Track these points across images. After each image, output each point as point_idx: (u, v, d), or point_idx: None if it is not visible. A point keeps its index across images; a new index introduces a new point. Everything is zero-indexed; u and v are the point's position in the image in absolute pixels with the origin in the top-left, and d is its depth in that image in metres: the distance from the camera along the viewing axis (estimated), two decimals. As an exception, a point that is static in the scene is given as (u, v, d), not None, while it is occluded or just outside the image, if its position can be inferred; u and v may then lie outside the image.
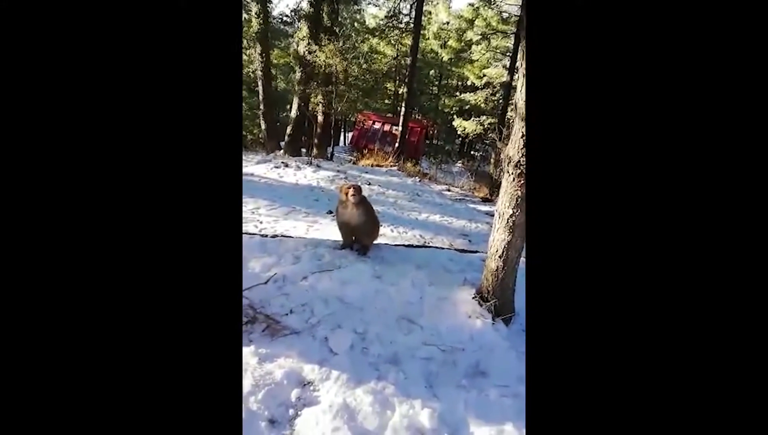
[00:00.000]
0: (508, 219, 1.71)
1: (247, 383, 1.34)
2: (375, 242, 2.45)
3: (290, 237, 2.57)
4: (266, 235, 2.50)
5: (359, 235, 2.33)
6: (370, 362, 1.53)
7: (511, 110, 9.10)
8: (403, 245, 2.70)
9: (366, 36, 10.01)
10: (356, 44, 8.84)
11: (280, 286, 1.92)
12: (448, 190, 7.02)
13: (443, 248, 2.90)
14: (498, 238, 1.77)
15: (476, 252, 2.72)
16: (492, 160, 10.00)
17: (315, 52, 7.51)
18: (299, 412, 1.29)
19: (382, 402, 1.34)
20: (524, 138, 1.57)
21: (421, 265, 2.26)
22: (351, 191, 2.21)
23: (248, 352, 1.48)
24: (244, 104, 8.96)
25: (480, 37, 11.82)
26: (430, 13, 12.73)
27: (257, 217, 4.11)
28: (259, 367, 1.42)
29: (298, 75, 7.99)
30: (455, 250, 2.80)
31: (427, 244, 3.65)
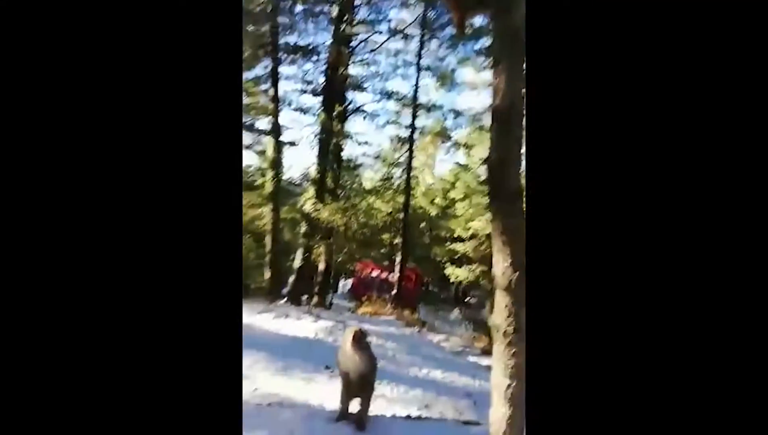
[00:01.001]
0: (504, 391, 1.73)
1: None
2: (371, 412, 2.39)
3: (283, 405, 2.55)
4: (261, 404, 2.48)
5: (361, 389, 2.25)
6: None
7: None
8: (403, 417, 2.64)
9: (364, 195, 11.33)
10: (355, 203, 9.97)
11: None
12: (447, 341, 6.94)
13: (446, 419, 2.82)
14: (498, 412, 1.78)
15: (479, 423, 2.65)
16: (488, 308, 10.12)
17: (319, 210, 8.44)
18: None
19: None
20: (508, 303, 1.52)
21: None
22: (357, 335, 2.22)
23: None
24: (251, 253, 9.52)
25: (462, 196, 13.47)
26: (416, 177, 14.78)
27: (255, 374, 4.01)
28: None
29: (303, 229, 8.77)
30: (461, 421, 2.72)
31: (428, 417, 3.51)
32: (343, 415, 2.30)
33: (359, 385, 2.27)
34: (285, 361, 4.45)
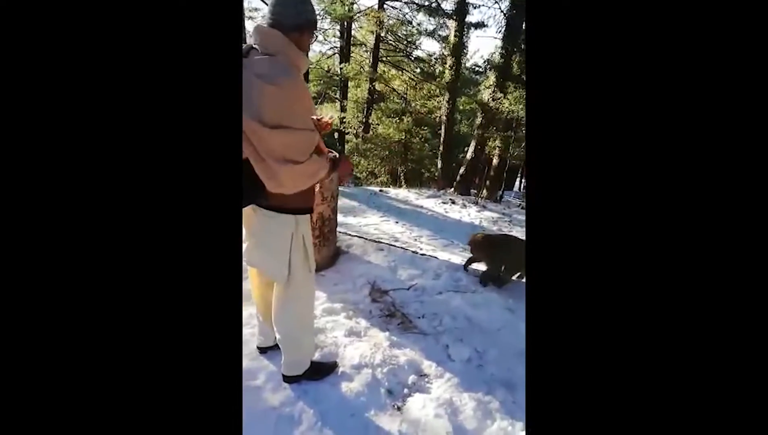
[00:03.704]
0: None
1: (378, 358, 1.67)
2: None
3: (436, 258, 2.87)
4: (416, 253, 2.87)
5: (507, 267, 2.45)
6: (483, 378, 1.64)
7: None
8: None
9: (556, 83, 9.79)
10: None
11: (419, 295, 2.23)
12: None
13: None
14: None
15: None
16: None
17: (499, 99, 7.87)
18: (412, 394, 1.53)
19: (485, 412, 1.44)
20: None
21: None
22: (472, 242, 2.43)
23: (383, 337, 1.82)
24: (426, 145, 9.98)
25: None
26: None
27: (418, 244, 4.59)
28: (389, 350, 1.73)
29: (479, 119, 8.48)
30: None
31: None
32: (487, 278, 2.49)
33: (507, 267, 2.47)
34: (447, 240, 4.88)
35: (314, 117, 1.16)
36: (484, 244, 2.47)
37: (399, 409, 1.45)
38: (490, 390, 1.56)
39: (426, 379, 1.61)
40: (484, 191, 8.52)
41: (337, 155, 1.27)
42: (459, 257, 4.24)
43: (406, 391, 1.54)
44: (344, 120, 9.64)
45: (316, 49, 10.79)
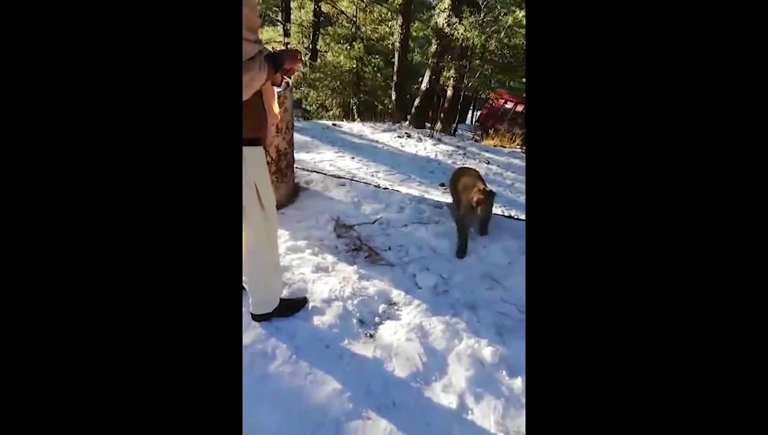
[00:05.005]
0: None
1: (347, 290, 1.68)
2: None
3: (399, 191, 2.85)
4: (379, 186, 2.82)
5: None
6: (449, 302, 1.72)
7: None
8: (505, 216, 2.73)
9: (512, 8, 9.48)
10: (499, 17, 8.47)
11: (384, 228, 2.23)
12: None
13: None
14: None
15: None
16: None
17: (454, 24, 7.49)
18: (383, 322, 1.57)
19: (453, 332, 1.53)
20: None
21: (519, 235, 2.30)
22: (477, 197, 2.06)
23: (351, 270, 1.82)
24: (379, 74, 9.50)
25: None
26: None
27: (375, 180, 4.53)
28: (358, 283, 1.74)
29: (433, 48, 8.11)
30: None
31: None
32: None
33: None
34: (404, 174, 4.86)
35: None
36: (452, 184, 2.43)
37: (371, 336, 1.49)
38: (456, 313, 1.65)
39: (396, 307, 1.66)
40: (439, 124, 8.45)
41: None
42: (416, 191, 4.29)
43: (377, 319, 1.57)
44: (288, 45, 8.79)
45: (250, -41, 9.38)
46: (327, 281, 1.73)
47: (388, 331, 1.51)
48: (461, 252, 2.05)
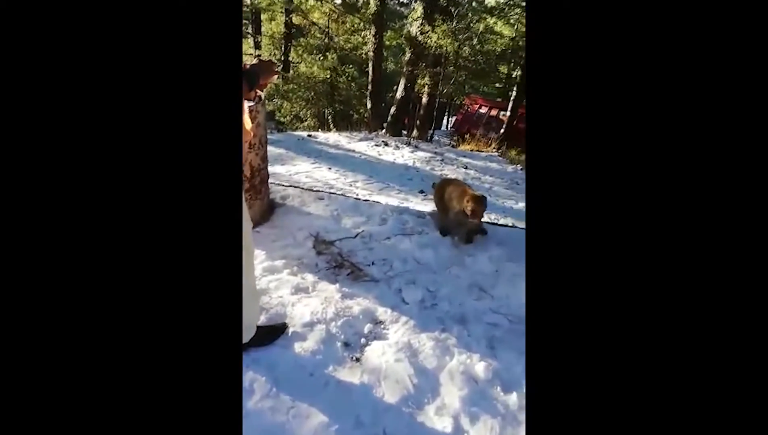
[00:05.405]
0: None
1: (330, 312, 1.58)
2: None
3: (380, 202, 2.78)
4: (359, 199, 2.75)
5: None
6: (437, 316, 1.65)
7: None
8: (487, 222, 2.70)
9: (483, 15, 9.67)
10: (471, 24, 8.61)
11: (366, 242, 2.15)
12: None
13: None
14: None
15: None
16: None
17: (427, 32, 7.56)
18: (369, 342, 1.48)
19: (443, 349, 1.46)
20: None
21: (503, 242, 2.27)
22: (472, 206, 2.03)
23: (333, 289, 1.73)
24: (353, 84, 9.49)
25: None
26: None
27: (354, 190, 4.46)
28: (341, 302, 1.65)
29: (407, 56, 8.15)
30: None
31: (515, 226, 3.56)
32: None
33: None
34: (383, 183, 4.81)
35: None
36: (437, 195, 2.39)
37: (358, 360, 1.40)
38: (446, 327, 1.58)
39: (382, 326, 1.58)
40: (415, 131, 8.47)
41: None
42: (396, 200, 4.24)
43: (363, 341, 1.49)
44: (259, 57, 8.67)
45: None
46: (308, 303, 1.63)
47: (375, 353, 1.42)
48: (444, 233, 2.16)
